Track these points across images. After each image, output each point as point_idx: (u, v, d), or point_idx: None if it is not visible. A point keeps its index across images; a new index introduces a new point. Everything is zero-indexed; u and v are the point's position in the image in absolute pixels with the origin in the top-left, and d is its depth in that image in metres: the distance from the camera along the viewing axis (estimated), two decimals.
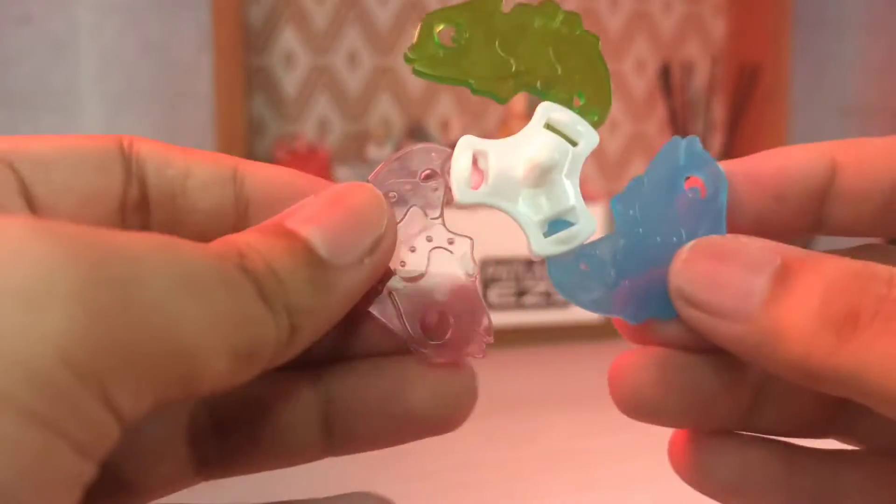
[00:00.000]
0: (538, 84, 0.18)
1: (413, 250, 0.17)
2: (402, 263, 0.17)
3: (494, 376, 0.73)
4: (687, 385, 0.17)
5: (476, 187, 0.17)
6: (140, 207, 0.17)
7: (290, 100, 1.12)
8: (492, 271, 1.02)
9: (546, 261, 0.18)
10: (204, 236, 0.15)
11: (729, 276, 0.15)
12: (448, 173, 0.18)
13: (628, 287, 0.17)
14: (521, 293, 1.05)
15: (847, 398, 0.14)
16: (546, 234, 0.17)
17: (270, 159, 1.09)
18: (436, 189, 0.18)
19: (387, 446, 0.17)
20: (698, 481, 0.18)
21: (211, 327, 0.13)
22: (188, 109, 1.08)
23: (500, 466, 0.58)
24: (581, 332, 1.07)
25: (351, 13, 1.13)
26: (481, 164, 0.17)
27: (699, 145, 0.18)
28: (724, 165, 0.18)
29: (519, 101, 1.16)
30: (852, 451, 0.19)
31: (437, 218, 0.17)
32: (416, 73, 0.18)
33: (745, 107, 1.24)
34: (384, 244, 0.16)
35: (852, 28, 1.41)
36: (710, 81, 1.29)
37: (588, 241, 0.17)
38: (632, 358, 0.17)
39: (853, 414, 0.18)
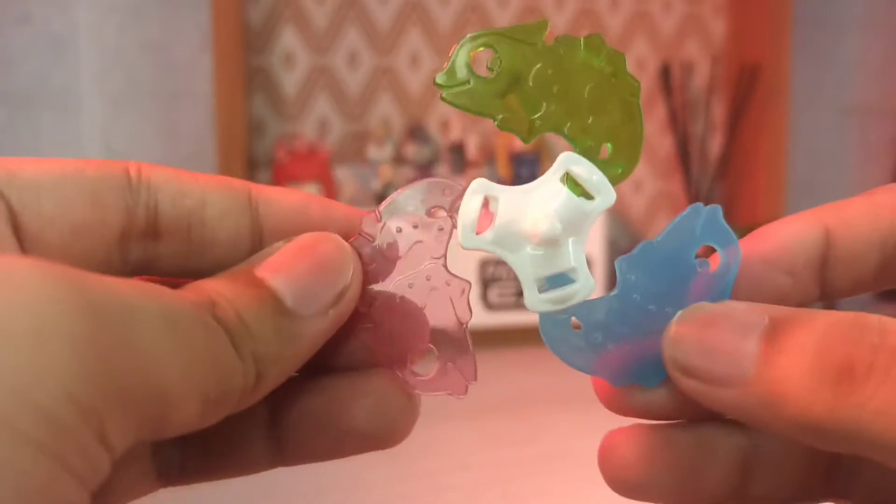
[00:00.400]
0: (566, 129, 0.17)
1: (411, 286, 0.18)
2: (397, 300, 0.17)
3: (494, 376, 0.73)
4: (674, 461, 0.17)
5: (482, 231, 0.17)
6: (147, 236, 0.17)
7: (290, 100, 1.12)
8: (492, 271, 1.02)
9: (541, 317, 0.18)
10: (220, 265, 0.16)
11: (719, 342, 0.15)
12: (456, 212, 0.17)
13: (613, 352, 0.17)
14: (522, 293, 1.05)
15: (846, 454, 0.14)
16: (545, 287, 0.17)
17: (270, 159, 1.10)
18: (441, 228, 0.17)
19: (332, 458, 0.18)
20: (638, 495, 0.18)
21: (186, 371, 0.13)
22: (188, 109, 1.08)
23: (499, 466, 0.58)
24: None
25: (351, 13, 1.13)
26: (492, 207, 0.17)
27: (721, 217, 0.17)
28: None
29: None
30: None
31: (438, 258, 0.18)
32: (444, 100, 0.17)
33: (745, 106, 1.24)
34: (348, 296, 0.16)
35: (852, 28, 1.41)
36: (710, 81, 1.29)
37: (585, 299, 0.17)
38: (619, 437, 0.17)
39: (848, 474, 0.18)
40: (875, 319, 0.14)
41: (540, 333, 0.18)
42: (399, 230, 0.17)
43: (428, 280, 0.18)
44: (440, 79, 0.17)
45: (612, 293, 0.17)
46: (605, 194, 0.17)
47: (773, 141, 1.21)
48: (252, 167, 1.09)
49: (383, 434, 0.17)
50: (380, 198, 0.99)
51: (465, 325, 0.18)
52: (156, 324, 0.13)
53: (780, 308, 0.16)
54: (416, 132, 1.14)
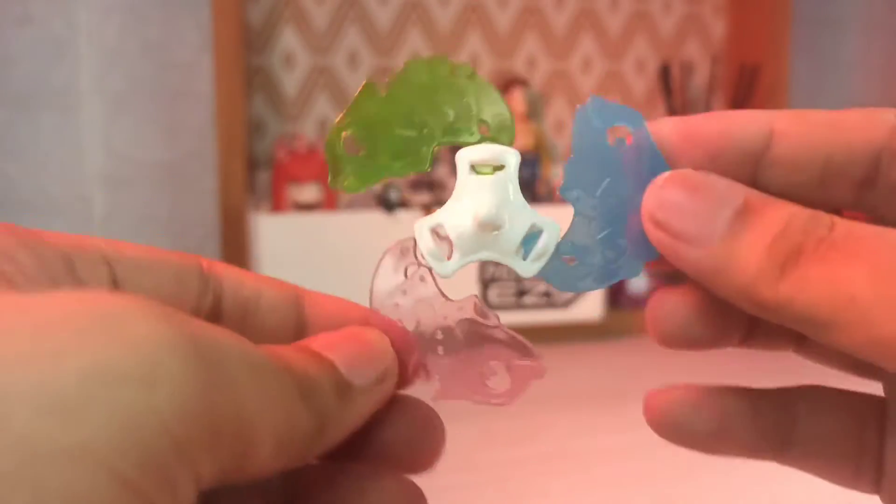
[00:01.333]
0: (441, 135, 0.19)
1: (441, 337, 0.19)
2: (441, 350, 0.19)
3: None
4: (718, 409, 0.19)
5: (450, 256, 0.19)
6: (210, 319, 0.19)
7: (290, 100, 1.12)
8: (492, 271, 1.02)
9: (541, 275, 0.19)
10: None
11: (696, 206, 0.17)
12: (422, 257, 0.19)
13: (623, 246, 0.19)
14: (521, 293, 1.05)
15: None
16: (524, 254, 0.19)
17: (270, 159, 1.10)
18: (423, 278, 0.19)
19: None
20: (675, 435, 0.20)
21: (266, 414, 0.14)
22: (188, 109, 1.08)
23: (500, 466, 0.58)
24: (581, 332, 1.07)
25: (351, 13, 1.13)
26: (443, 233, 0.19)
27: (605, 100, 0.19)
28: (661, 123, 0.19)
29: (518, 101, 1.16)
30: (810, 388, 0.20)
31: (438, 300, 0.19)
32: (349, 191, 0.19)
33: (744, 106, 1.24)
34: (389, 378, 0.18)
35: (852, 28, 1.41)
36: (709, 81, 1.29)
37: (560, 239, 0.19)
38: (664, 394, 0.20)
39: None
40: (828, 217, 0.16)
41: (562, 290, 0.19)
42: (397, 305, 0.19)
43: (445, 319, 0.19)
44: (332, 184, 0.19)
45: (574, 218, 0.19)
46: (510, 156, 0.19)
47: None
48: (252, 167, 1.09)
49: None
50: (379, 197, 0.99)
51: (499, 326, 0.19)
52: (244, 367, 0.14)
53: (755, 192, 0.17)
54: None
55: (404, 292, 0.19)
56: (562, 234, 0.19)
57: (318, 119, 1.14)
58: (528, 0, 1.21)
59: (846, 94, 1.42)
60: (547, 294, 1.07)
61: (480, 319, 0.19)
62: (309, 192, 0.98)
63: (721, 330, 0.19)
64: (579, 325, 1.05)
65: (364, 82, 0.18)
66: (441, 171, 1.15)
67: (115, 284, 0.17)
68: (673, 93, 1.28)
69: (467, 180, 0.19)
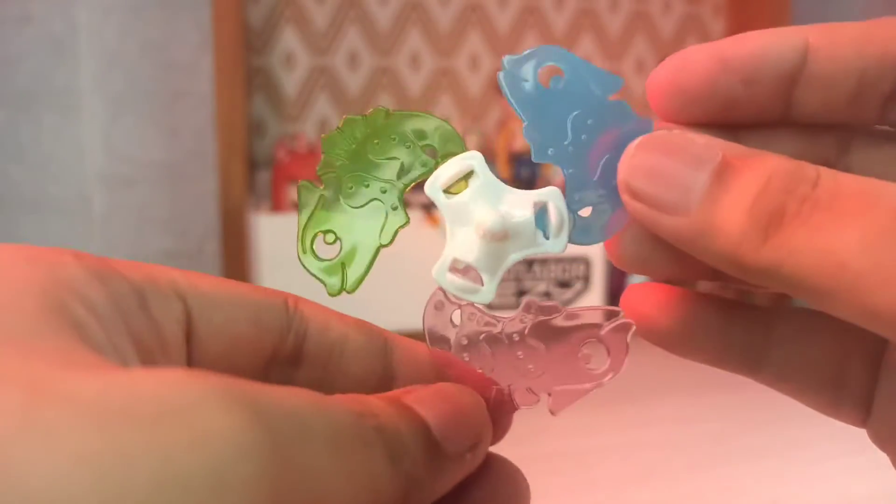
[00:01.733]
0: (400, 183, 0.18)
1: (522, 356, 0.19)
2: (531, 367, 0.19)
3: None
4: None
5: (480, 281, 0.18)
6: (291, 361, 0.18)
7: (290, 100, 1.12)
8: None
9: (572, 241, 0.19)
10: None
11: (672, 171, 0.16)
12: (457, 299, 0.19)
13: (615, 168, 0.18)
14: (521, 293, 1.05)
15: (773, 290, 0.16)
16: (546, 234, 0.18)
17: (270, 159, 1.10)
18: (470, 316, 0.19)
19: None
20: (645, 332, 0.19)
21: (346, 487, 0.13)
22: (188, 109, 1.08)
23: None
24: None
25: (351, 13, 1.13)
26: (461, 266, 0.18)
27: (513, 56, 0.18)
28: (692, 51, 0.18)
29: None
30: (793, 310, 0.19)
31: (497, 323, 0.19)
32: (353, 292, 0.19)
33: None
34: (483, 446, 0.17)
35: None
36: None
37: (564, 199, 0.19)
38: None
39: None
40: (813, 171, 0.15)
41: (599, 241, 0.19)
42: (466, 357, 0.19)
43: (517, 338, 0.19)
44: (332, 292, 0.19)
45: (564, 173, 0.19)
46: (471, 159, 0.18)
47: None
48: (252, 167, 1.09)
49: None
50: None
51: (564, 311, 0.19)
52: (323, 441, 0.13)
53: (735, 147, 0.16)
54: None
55: (464, 339, 0.19)
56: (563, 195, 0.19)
57: (318, 119, 1.14)
58: (528, 0, 1.22)
59: None
60: (547, 294, 1.07)
61: (546, 317, 0.19)
62: None
63: (682, 260, 0.18)
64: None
65: (299, 185, 0.18)
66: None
67: (190, 322, 0.16)
68: None
69: (449, 206, 0.18)
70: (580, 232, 0.18)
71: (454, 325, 0.19)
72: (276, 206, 1.00)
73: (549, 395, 0.19)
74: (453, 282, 0.18)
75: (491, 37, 1.20)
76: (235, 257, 0.99)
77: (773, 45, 0.17)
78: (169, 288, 0.16)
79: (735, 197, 0.15)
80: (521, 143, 1.15)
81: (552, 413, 0.19)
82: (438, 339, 0.18)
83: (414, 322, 0.80)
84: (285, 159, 1.02)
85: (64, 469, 0.10)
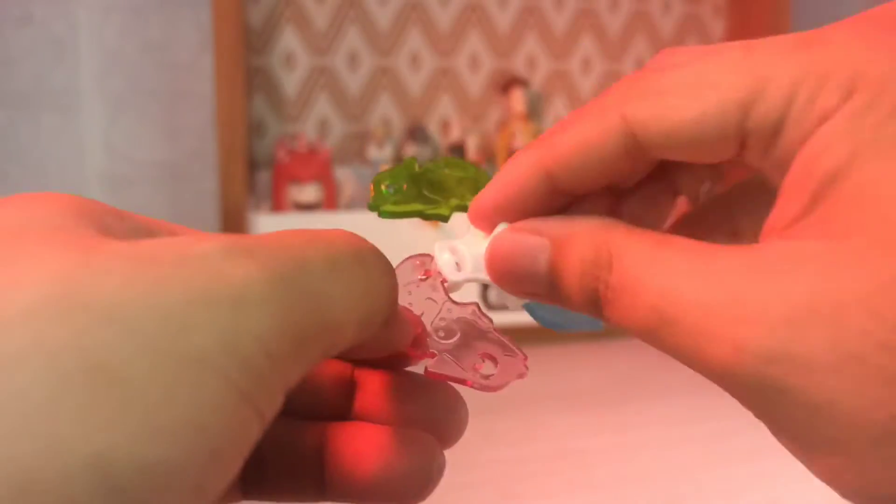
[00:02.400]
0: (454, 208, 0.25)
1: (442, 325, 0.23)
2: (441, 335, 0.23)
3: None
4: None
5: (460, 270, 0.23)
6: None
7: (290, 100, 1.12)
8: None
9: (529, 310, 0.23)
10: None
11: (519, 272, 0.20)
12: (437, 270, 0.23)
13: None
14: None
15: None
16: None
17: (271, 159, 1.10)
18: (434, 287, 0.23)
19: (366, 502, 0.21)
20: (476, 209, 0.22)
21: (349, 303, 0.16)
22: (189, 109, 1.08)
23: (499, 466, 0.59)
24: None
25: (351, 13, 1.13)
26: (457, 256, 0.23)
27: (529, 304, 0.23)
28: (515, 167, 0.21)
29: (519, 101, 1.17)
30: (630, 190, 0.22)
31: (444, 301, 0.23)
32: (383, 215, 0.24)
33: None
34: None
35: None
36: None
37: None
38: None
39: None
40: (606, 256, 0.18)
41: (551, 327, 0.24)
42: (409, 293, 0.23)
43: (451, 313, 0.23)
44: (373, 204, 0.24)
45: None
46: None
47: None
48: (252, 167, 1.09)
49: (410, 494, 0.21)
50: None
51: (492, 330, 0.23)
52: (321, 266, 0.16)
53: (556, 227, 0.20)
54: (416, 132, 1.14)
55: (417, 286, 0.23)
56: None
57: (318, 119, 1.14)
58: (527, 0, 1.22)
59: None
60: None
61: (477, 321, 0.23)
62: (309, 192, 0.98)
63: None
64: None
65: (406, 160, 0.25)
66: None
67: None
68: None
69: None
70: (538, 308, 0.23)
71: (419, 278, 0.23)
72: (277, 205, 1.00)
73: (434, 356, 0.23)
74: (444, 255, 0.23)
75: (491, 37, 1.20)
76: None
77: (590, 144, 0.19)
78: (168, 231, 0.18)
79: (567, 281, 0.19)
80: (520, 143, 1.15)
81: (427, 369, 0.22)
82: (400, 274, 0.22)
83: None
84: (285, 159, 1.02)
85: (117, 292, 0.13)
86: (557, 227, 0.20)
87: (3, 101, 1.04)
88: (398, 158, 1.14)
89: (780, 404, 0.15)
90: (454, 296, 0.23)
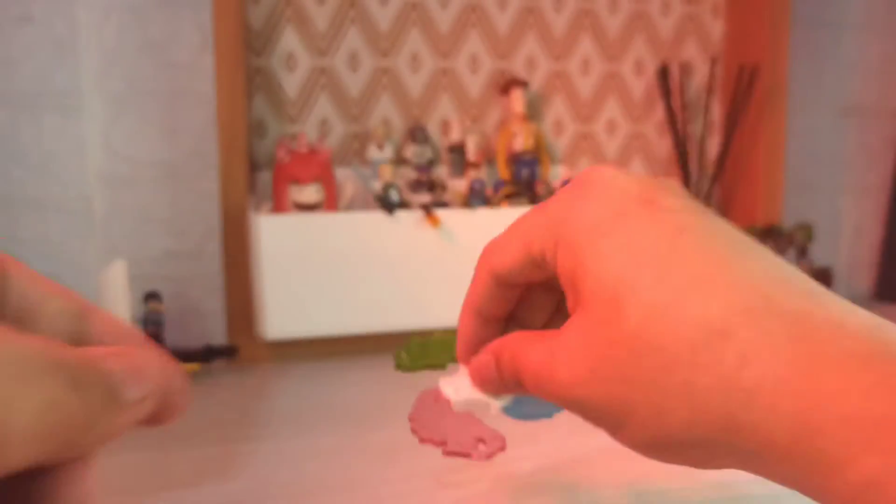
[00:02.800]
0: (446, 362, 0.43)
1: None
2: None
3: None
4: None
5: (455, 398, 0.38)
6: None
7: (290, 100, 1.12)
8: None
9: (506, 412, 0.38)
10: None
11: (486, 379, 0.35)
12: (444, 397, 0.38)
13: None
14: None
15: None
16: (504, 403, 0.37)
17: (271, 159, 1.10)
18: (447, 398, 0.38)
19: None
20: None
21: (30, 408, 0.15)
22: (189, 109, 1.09)
23: (500, 465, 0.59)
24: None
25: (351, 13, 1.13)
26: (454, 387, 0.38)
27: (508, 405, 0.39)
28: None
29: (518, 102, 1.17)
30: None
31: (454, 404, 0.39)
32: (403, 370, 0.44)
33: (743, 107, 1.24)
34: (152, 398, 0.20)
35: (851, 29, 1.41)
36: (708, 82, 1.30)
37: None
38: None
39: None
40: (513, 355, 0.32)
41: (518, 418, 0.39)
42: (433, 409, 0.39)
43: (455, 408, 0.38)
44: (398, 367, 0.45)
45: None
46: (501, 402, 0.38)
47: (771, 141, 1.22)
48: (253, 167, 1.09)
49: None
50: (379, 198, 1.00)
51: (481, 422, 0.40)
52: (8, 369, 0.15)
53: (494, 346, 0.34)
54: (416, 133, 1.15)
55: (437, 406, 0.39)
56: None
57: (318, 120, 1.14)
58: (527, 1, 1.22)
59: (845, 95, 1.42)
60: None
61: (473, 417, 0.39)
62: (309, 192, 0.98)
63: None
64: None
65: (405, 346, 0.45)
66: (441, 172, 1.15)
67: None
68: (672, 94, 1.28)
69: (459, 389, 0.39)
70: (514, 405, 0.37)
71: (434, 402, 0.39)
72: (277, 206, 1.00)
73: (446, 441, 0.37)
74: (447, 388, 0.38)
75: (490, 37, 1.21)
76: (236, 257, 1.00)
77: (503, 264, 0.34)
78: None
79: (504, 375, 0.34)
80: (520, 144, 1.16)
81: (444, 452, 0.38)
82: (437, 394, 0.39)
83: (416, 319, 0.82)
84: (285, 159, 1.02)
85: None
86: (494, 346, 0.33)
87: (4, 101, 1.04)
88: (398, 159, 1.14)
89: (589, 411, 0.29)
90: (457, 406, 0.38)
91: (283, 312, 0.95)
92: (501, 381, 0.33)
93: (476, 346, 0.35)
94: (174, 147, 1.08)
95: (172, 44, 1.07)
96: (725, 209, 1.28)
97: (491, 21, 1.20)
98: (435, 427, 0.37)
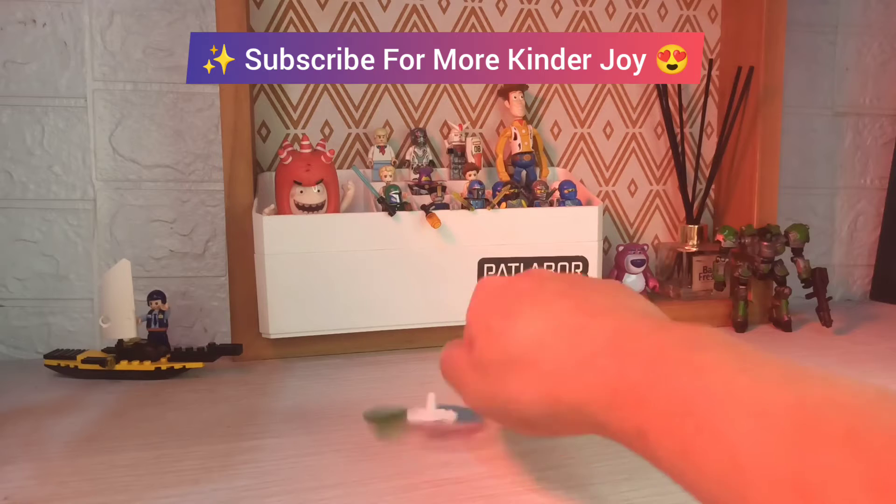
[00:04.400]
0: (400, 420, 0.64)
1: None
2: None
3: None
4: None
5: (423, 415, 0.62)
6: None
7: (293, 103, 1.14)
8: (490, 272, 1.04)
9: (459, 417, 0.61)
10: None
11: (457, 376, 0.50)
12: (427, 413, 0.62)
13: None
14: None
15: None
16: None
17: (275, 161, 1.11)
18: (437, 419, 0.62)
19: None
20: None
21: None
22: (193, 112, 1.10)
23: (498, 464, 0.60)
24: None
25: (353, 15, 1.15)
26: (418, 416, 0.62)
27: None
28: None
29: (518, 105, 1.18)
30: None
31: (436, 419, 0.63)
32: (381, 436, 0.63)
33: (739, 109, 1.26)
34: None
35: (846, 32, 1.43)
36: (705, 84, 1.31)
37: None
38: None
39: None
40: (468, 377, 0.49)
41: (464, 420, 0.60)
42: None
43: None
44: (380, 438, 0.64)
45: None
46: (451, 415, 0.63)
47: (767, 142, 1.23)
48: (257, 169, 1.11)
49: None
50: (381, 199, 1.01)
51: (453, 422, 0.62)
52: None
53: (449, 345, 0.53)
54: (416, 135, 1.16)
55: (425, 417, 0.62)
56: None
57: (320, 122, 1.15)
58: (526, 3, 1.23)
59: (840, 97, 1.43)
60: None
61: (446, 421, 0.62)
62: (312, 194, 1.00)
63: None
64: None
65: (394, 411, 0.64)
66: (441, 173, 1.17)
67: None
68: (668, 95, 1.30)
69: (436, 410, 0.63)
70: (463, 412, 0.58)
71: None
72: (280, 208, 1.02)
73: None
74: (427, 420, 0.61)
75: None
76: (240, 258, 1.01)
77: None
78: None
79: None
80: (519, 146, 1.17)
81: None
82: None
83: (417, 317, 0.84)
84: (288, 161, 1.03)
85: None
86: (449, 345, 0.51)
87: (8, 103, 1.05)
88: (400, 161, 1.16)
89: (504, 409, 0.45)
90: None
91: (287, 311, 0.96)
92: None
93: None
94: (179, 149, 1.10)
95: (177, 47, 1.08)
96: (722, 209, 1.30)
97: (491, 22, 1.21)
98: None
